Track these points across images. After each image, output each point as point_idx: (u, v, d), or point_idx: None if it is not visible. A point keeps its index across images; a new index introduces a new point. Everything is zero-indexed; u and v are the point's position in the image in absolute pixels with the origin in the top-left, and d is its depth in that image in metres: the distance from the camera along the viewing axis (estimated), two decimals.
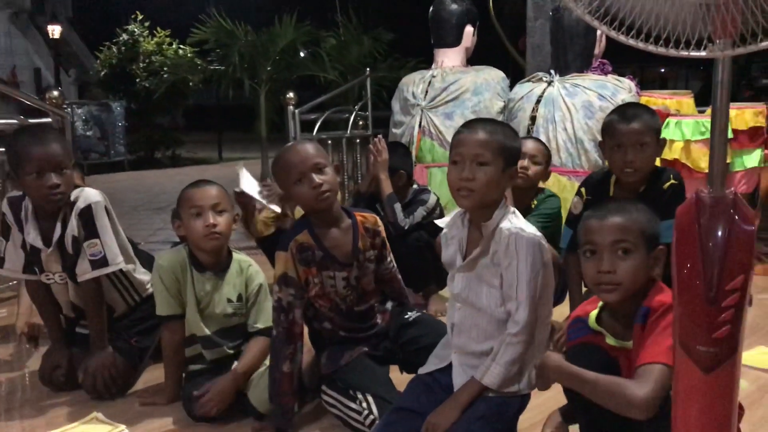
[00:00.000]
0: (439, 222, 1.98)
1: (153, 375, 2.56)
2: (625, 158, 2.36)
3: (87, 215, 2.36)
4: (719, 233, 1.14)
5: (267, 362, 2.24)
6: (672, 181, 2.41)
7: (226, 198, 2.30)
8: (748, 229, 1.16)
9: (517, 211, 1.85)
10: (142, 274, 2.57)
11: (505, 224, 1.78)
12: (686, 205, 1.20)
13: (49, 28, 17.68)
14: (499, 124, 1.89)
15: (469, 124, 1.84)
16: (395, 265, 2.28)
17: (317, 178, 2.03)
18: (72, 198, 2.36)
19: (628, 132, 2.37)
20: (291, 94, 4.67)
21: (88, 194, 2.39)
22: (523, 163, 2.82)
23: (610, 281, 1.57)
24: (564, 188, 3.99)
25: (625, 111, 2.47)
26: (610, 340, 1.61)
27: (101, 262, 2.38)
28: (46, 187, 2.25)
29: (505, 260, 1.76)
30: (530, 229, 1.79)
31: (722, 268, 1.13)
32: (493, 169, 1.75)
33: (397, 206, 3.07)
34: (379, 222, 2.21)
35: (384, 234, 2.22)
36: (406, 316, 2.25)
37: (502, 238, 1.76)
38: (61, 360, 2.46)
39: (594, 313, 1.68)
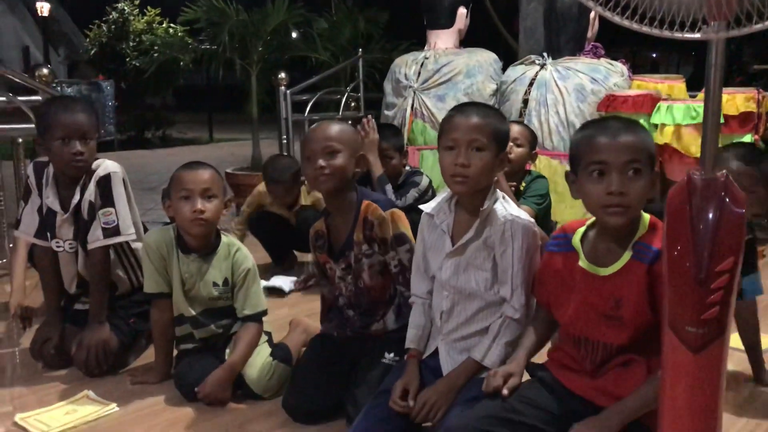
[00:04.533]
0: (424, 207, 1.94)
1: (144, 354, 2.57)
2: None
3: (105, 183, 2.43)
4: (710, 215, 1.15)
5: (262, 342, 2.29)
6: (749, 236, 2.07)
7: (217, 182, 2.28)
8: (738, 212, 1.17)
9: (506, 196, 1.86)
10: None
11: (498, 209, 1.78)
12: (677, 186, 1.21)
13: (38, 5, 17.41)
14: (489, 107, 1.89)
15: (460, 108, 1.82)
16: (401, 266, 2.06)
17: (322, 161, 2.01)
18: (93, 167, 2.44)
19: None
20: (282, 75, 4.65)
21: (108, 164, 2.48)
22: None
23: (620, 203, 1.48)
24: (555, 171, 4.01)
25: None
26: (582, 263, 1.59)
27: (113, 230, 2.42)
28: (70, 154, 2.34)
29: (501, 246, 1.77)
30: (523, 215, 1.80)
31: (712, 250, 1.14)
32: (488, 154, 1.75)
33: (388, 188, 3.07)
34: (384, 214, 2.04)
35: (395, 227, 2.04)
36: (383, 359, 2.08)
37: (497, 223, 1.77)
38: (53, 333, 2.47)
39: (581, 231, 1.64)
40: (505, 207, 1.80)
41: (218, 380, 2.17)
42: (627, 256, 1.53)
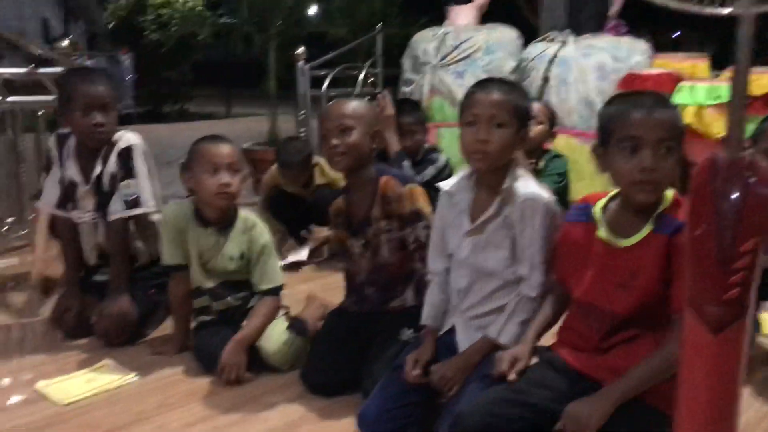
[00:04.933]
0: (442, 185, 1.93)
1: (162, 326, 2.60)
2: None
3: (126, 155, 2.45)
4: (733, 195, 1.13)
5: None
6: None
7: (239, 157, 2.32)
8: (764, 192, 1.15)
9: (527, 173, 1.85)
10: None
11: (519, 187, 1.77)
12: (702, 165, 1.19)
13: None
14: (511, 83, 1.87)
15: (482, 84, 1.80)
16: (417, 243, 2.05)
17: (335, 140, 2.03)
18: (114, 139, 2.46)
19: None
20: (302, 49, 4.62)
21: (130, 137, 2.50)
22: None
23: (651, 180, 1.47)
24: (574, 150, 3.97)
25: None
26: (601, 233, 1.58)
27: (134, 202, 2.45)
28: (92, 125, 2.37)
29: (520, 224, 1.76)
30: (544, 193, 1.79)
31: (735, 230, 1.12)
32: (509, 130, 1.74)
33: (406, 164, 3.06)
34: (402, 190, 2.04)
35: (412, 204, 2.03)
36: (400, 336, 2.07)
37: (518, 201, 1.76)
38: (74, 303, 2.50)
39: (602, 202, 1.63)
40: (526, 184, 1.78)
41: (231, 355, 2.18)
42: (648, 229, 1.52)
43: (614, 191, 1.63)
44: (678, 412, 1.25)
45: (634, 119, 1.48)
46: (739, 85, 1.13)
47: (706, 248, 1.15)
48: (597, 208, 1.63)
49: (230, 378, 2.17)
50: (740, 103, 1.15)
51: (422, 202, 2.06)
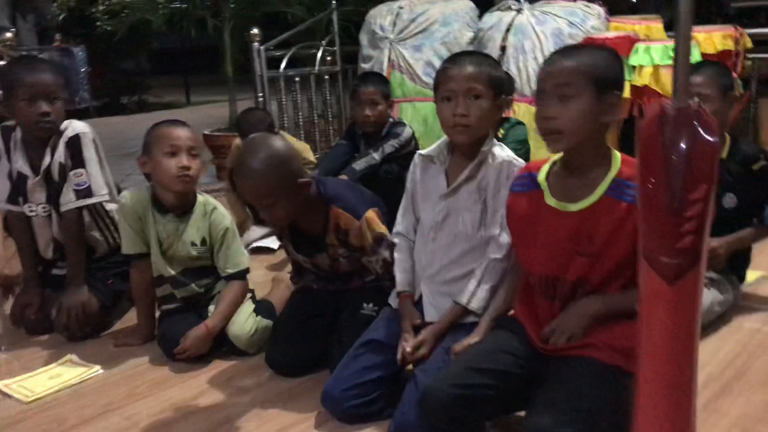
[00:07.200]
0: (422, 151, 1.94)
1: (126, 317, 2.56)
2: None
3: (75, 144, 2.39)
4: (683, 143, 1.13)
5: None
6: (763, 162, 2.27)
7: (198, 142, 2.29)
8: (711, 140, 1.15)
9: (502, 144, 1.87)
10: None
11: (496, 151, 1.81)
12: (650, 117, 1.19)
13: None
14: (482, 55, 1.89)
15: (453, 59, 1.82)
16: (380, 271, 2.01)
17: None
18: (61, 128, 2.40)
19: None
20: (255, 30, 4.54)
21: (77, 125, 2.44)
22: None
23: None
24: (534, 118, 3.97)
25: None
26: (549, 200, 1.59)
27: (86, 192, 2.39)
28: (37, 114, 2.31)
29: (495, 187, 1.79)
30: (519, 160, 1.82)
31: (685, 179, 1.12)
32: (486, 101, 1.76)
33: (363, 162, 3.05)
34: (358, 224, 1.94)
35: (372, 232, 1.95)
36: (362, 310, 2.08)
37: (495, 164, 1.79)
38: (33, 299, 2.46)
39: (545, 168, 1.64)
40: (503, 150, 1.83)
41: (198, 336, 2.17)
42: (600, 191, 1.52)
43: (555, 157, 1.63)
44: (638, 362, 1.26)
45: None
46: (683, 30, 1.12)
47: (657, 198, 1.15)
48: (541, 175, 1.63)
49: (187, 359, 2.16)
50: (685, 50, 1.15)
51: (380, 225, 1.97)
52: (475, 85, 1.74)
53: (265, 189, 1.85)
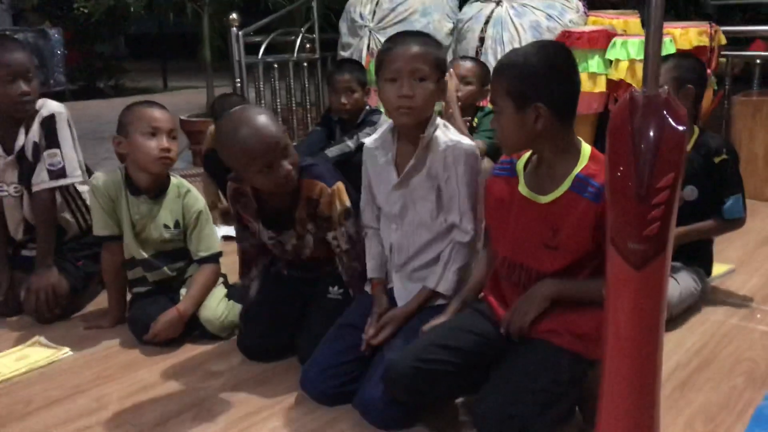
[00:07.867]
0: (366, 140, 1.93)
1: (98, 299, 2.53)
2: None
3: (49, 124, 2.37)
4: (651, 132, 1.15)
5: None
6: (724, 156, 2.27)
7: (176, 125, 2.28)
8: (679, 129, 1.17)
9: (446, 123, 1.86)
10: None
11: (439, 136, 1.79)
12: (620, 105, 1.20)
13: None
14: (425, 35, 1.86)
15: (397, 39, 1.79)
16: (345, 247, 1.96)
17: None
18: (36, 107, 2.37)
19: None
20: (234, 15, 4.51)
21: (52, 105, 2.42)
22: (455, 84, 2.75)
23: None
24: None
25: None
26: (522, 189, 1.61)
27: (59, 172, 2.37)
28: (17, 94, 2.28)
29: (444, 173, 1.78)
30: (465, 140, 1.81)
31: (653, 166, 1.14)
32: (430, 83, 1.74)
33: (336, 149, 3.05)
34: (329, 191, 1.91)
35: (341, 203, 1.92)
36: (329, 294, 2.08)
37: (439, 150, 1.78)
38: (2, 280, 2.43)
39: (525, 156, 1.66)
40: (446, 133, 1.81)
41: (170, 320, 2.15)
42: (565, 186, 1.54)
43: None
44: (604, 348, 1.28)
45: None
46: (655, 19, 1.14)
47: (625, 185, 1.16)
48: (520, 163, 1.65)
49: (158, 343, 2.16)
50: (656, 39, 1.16)
51: (347, 198, 1.95)
52: (420, 66, 1.71)
53: (278, 133, 1.80)
